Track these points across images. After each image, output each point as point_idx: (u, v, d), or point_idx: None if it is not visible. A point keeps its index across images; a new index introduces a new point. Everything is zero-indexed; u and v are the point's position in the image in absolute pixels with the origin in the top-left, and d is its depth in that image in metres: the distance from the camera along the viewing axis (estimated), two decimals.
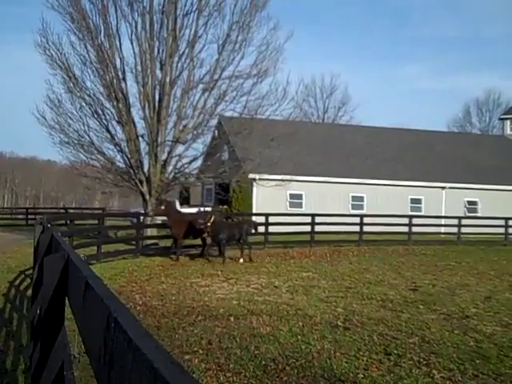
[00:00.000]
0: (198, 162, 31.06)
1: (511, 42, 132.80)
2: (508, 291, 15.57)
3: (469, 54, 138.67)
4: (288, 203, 38.10)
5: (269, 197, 36.16)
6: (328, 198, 38.20)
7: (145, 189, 27.84)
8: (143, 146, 28.36)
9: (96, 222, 24.76)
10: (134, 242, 23.35)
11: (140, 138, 28.22)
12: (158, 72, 27.92)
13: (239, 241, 22.12)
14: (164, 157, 28.46)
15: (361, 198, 39.95)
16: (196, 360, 8.17)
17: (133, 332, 1.32)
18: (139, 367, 1.18)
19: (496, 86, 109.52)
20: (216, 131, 33.73)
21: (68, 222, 23.70)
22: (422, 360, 8.45)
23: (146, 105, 27.69)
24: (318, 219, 28.48)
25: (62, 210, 50.89)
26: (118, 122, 27.78)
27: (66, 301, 3.10)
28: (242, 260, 21.35)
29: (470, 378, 7.69)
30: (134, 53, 27.43)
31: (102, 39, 26.93)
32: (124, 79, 27.63)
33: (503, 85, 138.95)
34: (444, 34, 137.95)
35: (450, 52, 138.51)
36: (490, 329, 10.73)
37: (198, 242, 23.01)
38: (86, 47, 27.02)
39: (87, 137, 27.70)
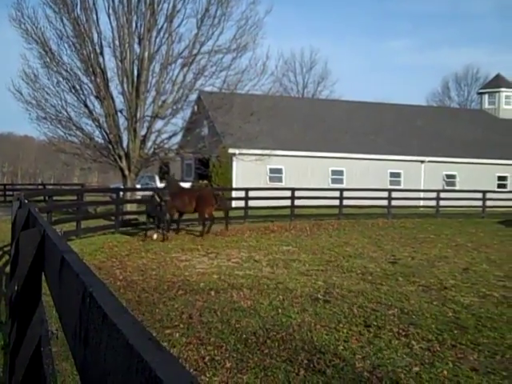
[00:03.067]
0: (178, 137, 30.96)
1: (493, 17, 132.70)
2: (485, 262, 15.77)
3: (451, 29, 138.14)
4: (268, 178, 38.08)
5: (249, 171, 36.12)
6: (308, 173, 38.25)
7: (124, 164, 27.68)
8: (122, 121, 28.21)
9: (75, 197, 24.50)
10: (113, 218, 23.23)
11: (119, 114, 28.05)
12: (136, 47, 27.66)
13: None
14: (143, 132, 28.29)
15: (340, 172, 40.04)
16: (177, 334, 8.19)
17: (108, 307, 1.29)
18: (114, 344, 1.15)
19: (475, 61, 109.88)
20: (195, 106, 33.56)
21: (46, 197, 23.44)
22: (401, 331, 8.54)
23: (125, 80, 27.42)
24: (297, 193, 28.51)
25: (40, 186, 50.40)
26: (97, 97, 27.51)
27: (44, 277, 3.07)
28: (155, 236, 20.07)
29: (448, 348, 7.79)
30: (112, 27, 27.12)
31: (79, 13, 26.54)
32: (102, 54, 27.34)
33: (484, 60, 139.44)
34: (426, 8, 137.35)
35: (432, 27, 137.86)
36: (468, 300, 10.87)
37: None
38: (62, 21, 26.63)
39: (65, 112, 27.45)
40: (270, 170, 37.90)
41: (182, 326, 8.68)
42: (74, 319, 1.67)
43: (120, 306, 1.33)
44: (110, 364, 1.19)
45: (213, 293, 11.06)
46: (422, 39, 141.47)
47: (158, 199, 20.29)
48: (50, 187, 50.62)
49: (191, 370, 6.83)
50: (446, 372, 6.89)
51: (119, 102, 27.99)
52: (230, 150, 34.86)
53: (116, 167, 28.83)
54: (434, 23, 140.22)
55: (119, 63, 27.28)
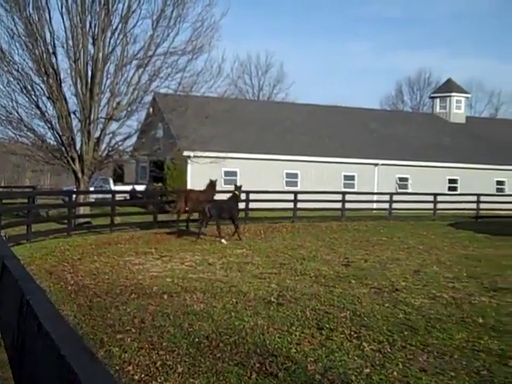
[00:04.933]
0: (133, 140, 30.63)
1: (446, 22, 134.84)
2: (436, 265, 16.06)
3: (406, 33, 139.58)
4: (223, 180, 37.97)
5: (203, 174, 35.81)
6: (263, 175, 38.30)
7: (77, 167, 27.29)
8: (75, 122, 27.80)
9: (26, 200, 24.03)
10: (66, 221, 22.87)
11: (72, 115, 27.61)
12: (90, 47, 27.27)
13: None
14: (97, 134, 27.94)
15: (295, 175, 40.26)
16: (128, 339, 8.11)
17: (44, 316, 1.27)
18: (48, 354, 1.13)
19: (427, 66, 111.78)
20: (151, 108, 33.37)
21: None
22: (352, 333, 8.63)
23: (78, 81, 27.02)
24: (252, 196, 28.44)
25: None
26: (49, 98, 27.06)
27: None
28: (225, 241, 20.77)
29: (398, 350, 7.91)
30: (65, 27, 26.68)
31: (31, 11, 26.02)
32: (54, 54, 26.85)
33: (436, 65, 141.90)
34: (384, 12, 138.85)
35: (389, 31, 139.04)
36: (419, 301, 11.05)
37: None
38: (13, 20, 26.07)
39: (16, 113, 26.90)
40: (225, 172, 37.83)
41: (133, 330, 8.60)
42: (12, 326, 1.63)
43: (56, 315, 1.30)
44: (44, 374, 1.16)
45: (166, 296, 10.99)
46: (378, 43, 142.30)
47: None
48: (0, 190, 49.54)
49: (142, 376, 6.77)
50: (395, 373, 6.99)
51: (72, 103, 27.62)
52: (185, 153, 34.71)
53: (69, 169, 28.41)
54: (390, 27, 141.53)
55: (73, 64, 26.87)
